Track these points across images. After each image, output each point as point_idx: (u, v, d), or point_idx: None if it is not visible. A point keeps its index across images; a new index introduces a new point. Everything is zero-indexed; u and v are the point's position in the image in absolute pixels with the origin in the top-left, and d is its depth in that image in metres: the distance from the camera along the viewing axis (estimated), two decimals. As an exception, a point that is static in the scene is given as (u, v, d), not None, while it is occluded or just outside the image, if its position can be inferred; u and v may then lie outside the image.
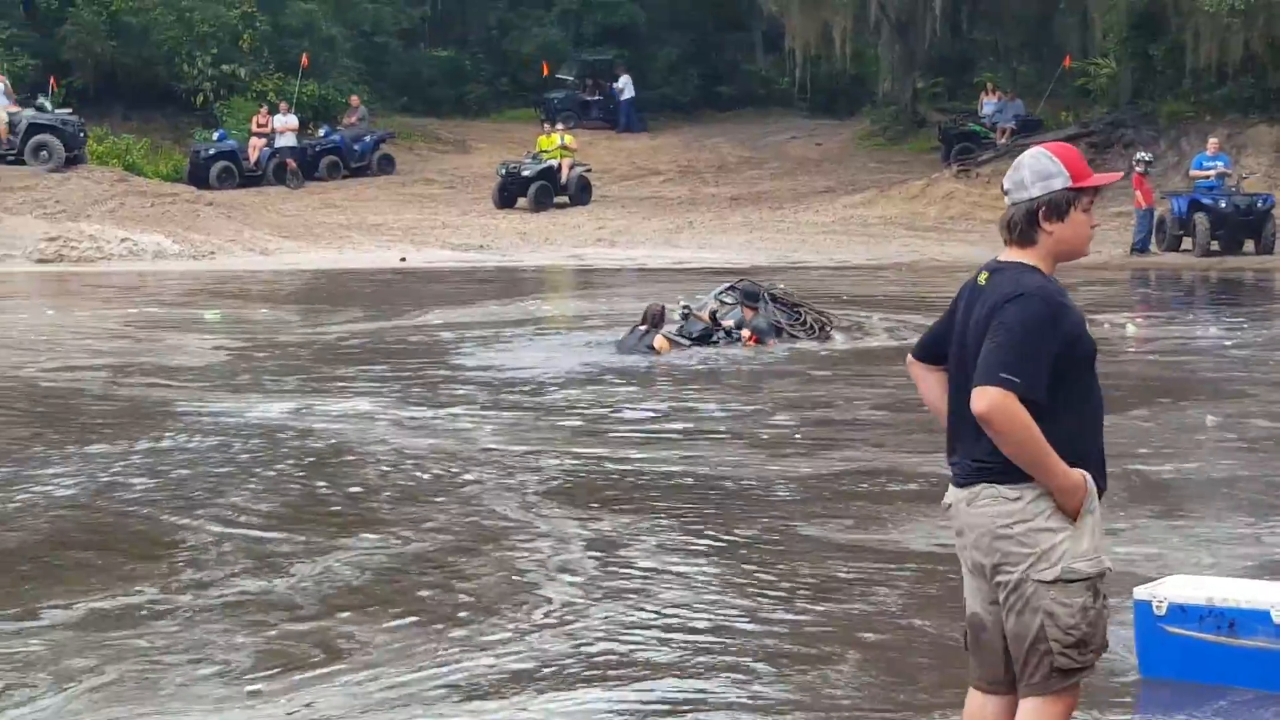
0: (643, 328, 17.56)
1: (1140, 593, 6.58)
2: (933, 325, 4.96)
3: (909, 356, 4.99)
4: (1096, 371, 4.71)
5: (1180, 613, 6.43)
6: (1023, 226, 4.70)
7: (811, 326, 18.34)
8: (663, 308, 17.89)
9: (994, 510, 4.61)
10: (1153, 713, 6.30)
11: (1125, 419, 12.77)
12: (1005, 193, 4.75)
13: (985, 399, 4.48)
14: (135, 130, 40.67)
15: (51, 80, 37.70)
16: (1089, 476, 4.61)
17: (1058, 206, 4.69)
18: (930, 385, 4.91)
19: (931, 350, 4.90)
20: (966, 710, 4.86)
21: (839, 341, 18.09)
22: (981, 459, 4.63)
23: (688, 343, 17.51)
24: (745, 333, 17.81)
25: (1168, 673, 6.45)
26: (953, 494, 4.75)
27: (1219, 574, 7.69)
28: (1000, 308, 4.55)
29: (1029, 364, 4.49)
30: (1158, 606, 6.46)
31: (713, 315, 18.02)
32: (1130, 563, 8.24)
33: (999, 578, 4.62)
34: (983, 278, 4.71)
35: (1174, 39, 36.74)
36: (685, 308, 18.04)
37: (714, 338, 17.70)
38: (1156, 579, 7.71)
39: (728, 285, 19.02)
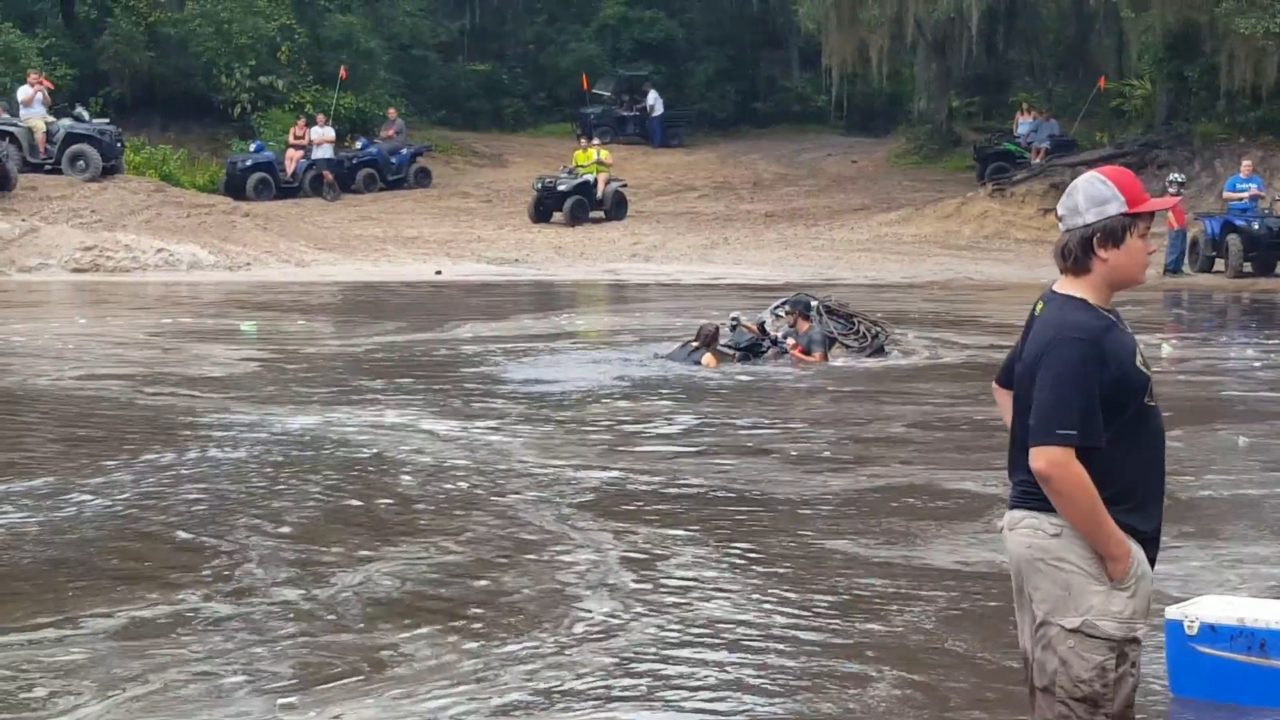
0: (694, 344, 17.67)
1: (1172, 612, 6.62)
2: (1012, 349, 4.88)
3: (994, 381, 4.93)
4: (1151, 401, 4.64)
5: (1211, 632, 6.46)
6: (1077, 254, 4.56)
7: (864, 335, 18.37)
8: (716, 328, 17.99)
9: (1029, 541, 4.55)
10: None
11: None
12: (1059, 219, 4.63)
13: (1044, 458, 4.40)
14: (172, 141, 40.93)
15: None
16: (1137, 547, 4.54)
17: (1113, 233, 4.55)
18: (1007, 409, 4.79)
19: (1006, 375, 4.81)
20: None
21: (891, 355, 18.13)
22: (1026, 484, 4.56)
23: (735, 353, 17.65)
24: (790, 342, 17.88)
25: (1198, 692, 6.48)
26: (1006, 516, 4.70)
27: (1247, 595, 7.72)
28: (1046, 351, 4.46)
29: (1081, 413, 4.39)
30: (1189, 626, 6.50)
31: (760, 326, 18.13)
32: (1159, 582, 8.27)
33: (1034, 607, 4.57)
34: (1039, 306, 4.64)
35: (1209, 61, 36.71)
36: (734, 318, 18.20)
37: (762, 347, 17.80)
38: (1185, 599, 7.77)
39: (782, 300, 19.07)
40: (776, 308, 18.76)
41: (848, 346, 18.11)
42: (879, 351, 18.19)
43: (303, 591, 8.16)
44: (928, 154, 44.89)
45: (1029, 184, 37.69)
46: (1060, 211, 4.63)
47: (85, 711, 6.39)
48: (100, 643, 7.28)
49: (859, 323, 18.65)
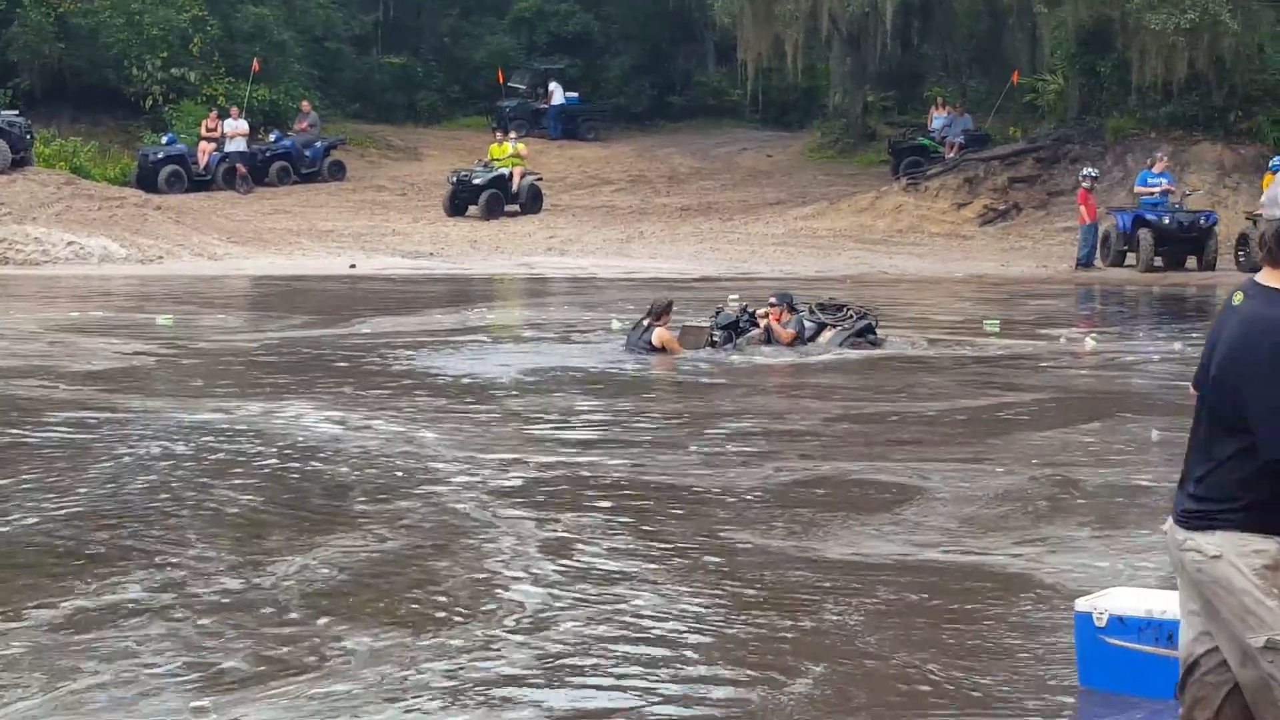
0: (645, 322, 17.80)
1: (1081, 604, 6.65)
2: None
3: (1191, 385, 4.82)
4: None
5: (1120, 624, 6.50)
6: (1271, 245, 4.48)
7: (851, 316, 18.68)
8: (669, 301, 18.22)
9: (1197, 565, 4.49)
10: (1094, 722, 6.38)
11: (1073, 432, 12.92)
12: (1262, 209, 4.56)
13: None
14: (83, 133, 40.42)
15: None
16: None
17: None
18: None
19: (1204, 375, 4.69)
20: None
21: (887, 343, 18.54)
22: (1194, 499, 4.51)
23: (715, 333, 18.02)
24: (762, 311, 18.26)
25: (1107, 684, 6.51)
26: (1169, 526, 4.62)
27: (1157, 587, 7.79)
28: (1273, 346, 4.36)
29: None
30: (1098, 618, 6.53)
31: (744, 308, 18.42)
32: (1057, 573, 8.38)
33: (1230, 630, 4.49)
34: (1237, 298, 4.54)
35: (1121, 56, 37.05)
36: (719, 307, 18.67)
37: (740, 324, 18.14)
38: (1077, 589, 7.84)
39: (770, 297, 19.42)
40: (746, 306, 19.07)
41: (841, 327, 18.40)
42: (869, 330, 18.49)
43: (242, 581, 8.12)
44: (843, 148, 45.05)
45: (943, 178, 37.90)
46: (1264, 200, 4.58)
47: (27, 705, 6.29)
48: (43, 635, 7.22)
49: (848, 309, 19.01)
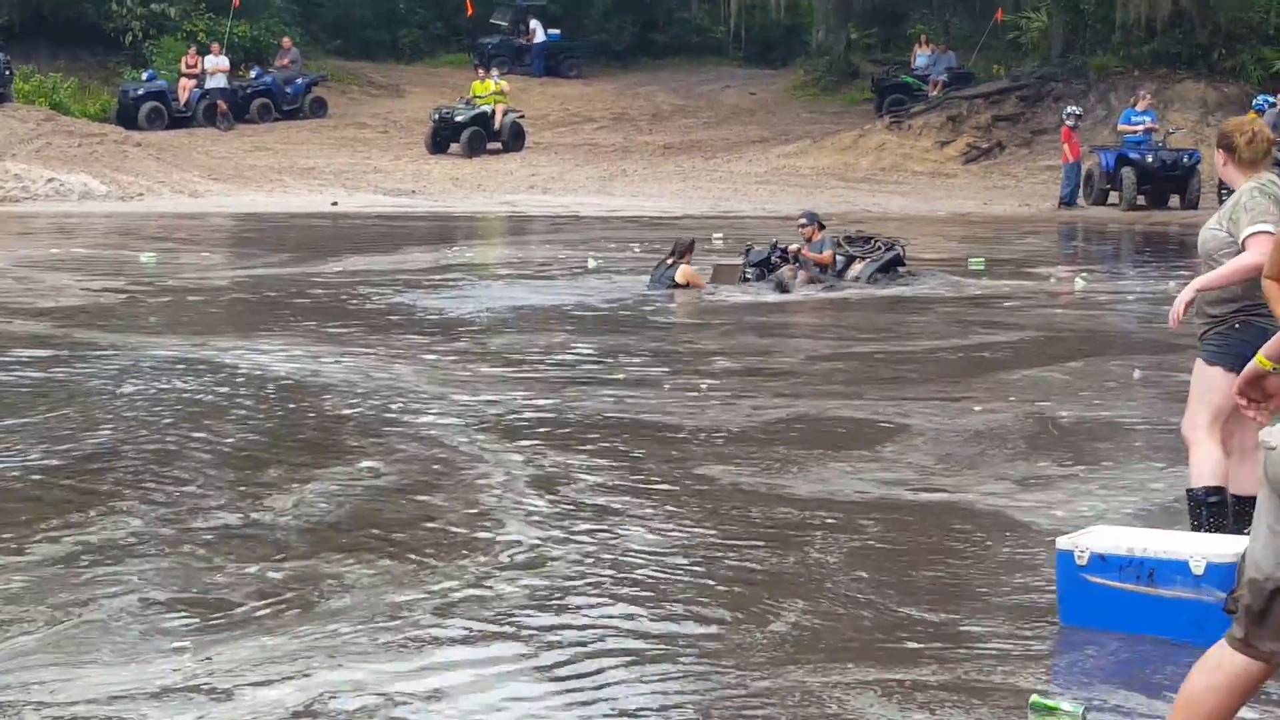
0: (669, 260, 18.01)
1: (1062, 542, 6.67)
2: None
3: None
4: None
5: (1101, 562, 6.52)
6: None
7: (879, 247, 19.03)
8: (692, 240, 18.53)
9: None
10: (1072, 660, 6.40)
11: (1057, 370, 12.95)
12: None
13: None
14: (62, 69, 40.17)
15: None
16: None
17: None
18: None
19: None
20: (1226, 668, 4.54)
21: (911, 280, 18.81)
22: None
23: (747, 271, 18.40)
24: (794, 246, 18.56)
25: (1088, 621, 6.54)
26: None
27: (1136, 524, 7.82)
28: None
29: None
30: (1079, 556, 6.55)
31: (774, 244, 18.81)
32: (1035, 510, 8.42)
33: None
34: None
35: (1105, -7, 36.98)
36: (748, 244, 19.20)
37: (772, 260, 18.46)
38: (1054, 527, 7.88)
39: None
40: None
41: (871, 258, 18.74)
42: (899, 261, 18.87)
43: (240, 515, 8.16)
44: (826, 86, 44.92)
45: (926, 116, 37.85)
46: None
47: (26, 640, 6.29)
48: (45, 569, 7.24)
49: (876, 241, 19.41)
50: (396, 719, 5.56)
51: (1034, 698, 5.68)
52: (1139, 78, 35.40)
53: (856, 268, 18.62)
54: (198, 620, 6.59)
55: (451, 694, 5.79)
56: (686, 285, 17.86)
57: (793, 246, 18.61)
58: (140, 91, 38.77)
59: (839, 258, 18.61)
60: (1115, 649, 6.34)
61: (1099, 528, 7.11)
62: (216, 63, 39.84)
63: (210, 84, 39.66)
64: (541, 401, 11.42)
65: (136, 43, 41.93)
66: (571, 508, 8.48)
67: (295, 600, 6.86)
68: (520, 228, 27.76)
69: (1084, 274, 20.15)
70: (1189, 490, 7.44)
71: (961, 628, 6.62)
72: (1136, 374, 12.77)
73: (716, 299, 17.55)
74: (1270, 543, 4.35)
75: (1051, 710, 5.59)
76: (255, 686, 5.81)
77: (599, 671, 6.03)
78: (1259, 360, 4.57)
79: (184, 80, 39.52)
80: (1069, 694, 5.83)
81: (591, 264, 20.01)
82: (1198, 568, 6.37)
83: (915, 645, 6.36)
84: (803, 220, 18.87)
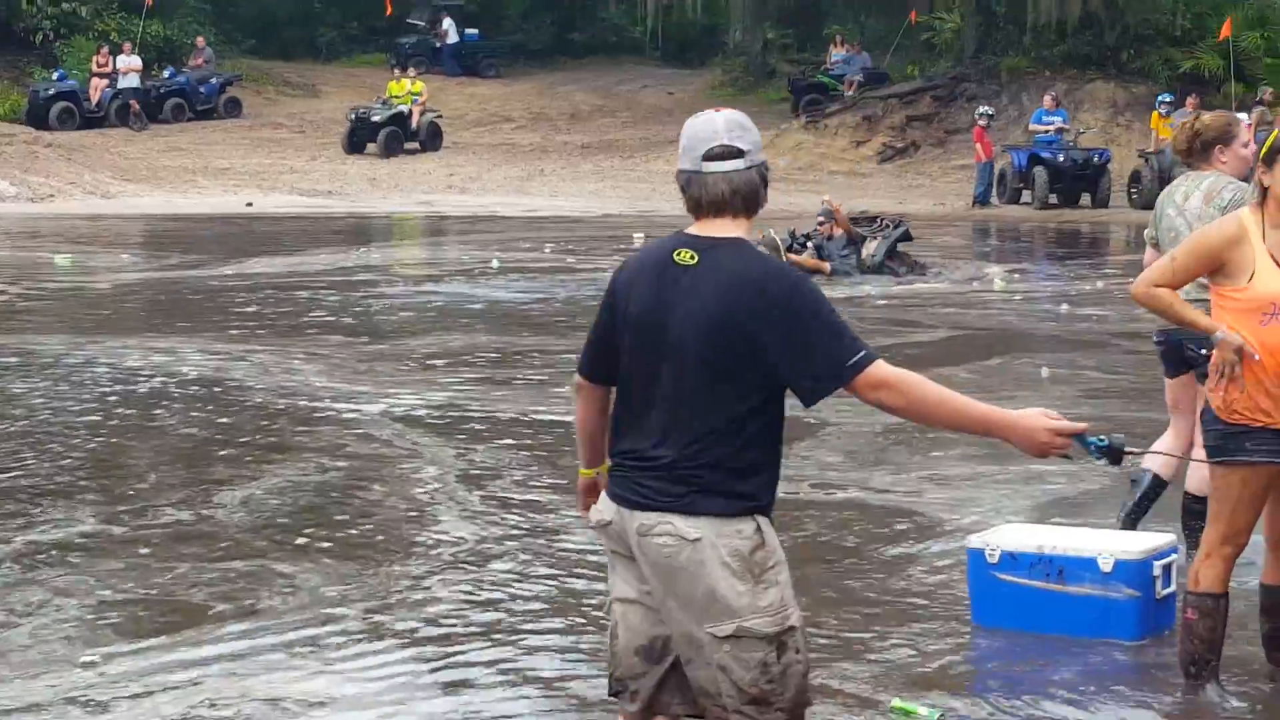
0: None
1: (974, 541, 6.75)
2: None
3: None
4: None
5: (1012, 560, 6.60)
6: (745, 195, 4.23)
7: (887, 226, 20.00)
8: None
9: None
10: (985, 658, 6.47)
11: (966, 369, 13.07)
12: None
13: None
14: (-28, 69, 39.74)
15: None
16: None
17: None
18: None
19: None
20: None
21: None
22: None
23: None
24: (820, 219, 19.60)
25: (1000, 620, 6.61)
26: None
27: (1016, 518, 7.94)
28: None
29: None
30: (990, 555, 6.63)
31: (791, 233, 19.52)
32: (960, 509, 8.50)
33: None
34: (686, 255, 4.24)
35: (1017, -5, 37.31)
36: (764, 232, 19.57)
37: (793, 248, 19.09)
38: (961, 522, 7.98)
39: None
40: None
41: (882, 236, 19.63)
42: (906, 238, 19.80)
43: (184, 514, 8.18)
44: (743, 86, 45.00)
45: (842, 116, 38.05)
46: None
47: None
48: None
49: (881, 220, 20.47)
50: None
51: (894, 701, 5.75)
52: (1050, 78, 35.73)
53: (871, 246, 19.47)
54: (111, 631, 6.58)
55: (342, 703, 5.79)
56: None
57: (822, 226, 19.53)
58: (51, 91, 38.32)
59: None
60: (1025, 647, 6.41)
61: (1008, 526, 7.21)
62: (129, 62, 39.46)
63: (123, 84, 39.27)
64: (464, 400, 11.44)
65: (47, 42, 41.44)
66: (498, 505, 8.54)
67: (227, 604, 6.88)
68: (437, 228, 27.69)
69: (1003, 273, 20.32)
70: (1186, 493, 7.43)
71: (874, 629, 6.67)
72: (1045, 372, 12.89)
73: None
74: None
75: (909, 714, 5.66)
76: (135, 698, 5.79)
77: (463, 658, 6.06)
78: (581, 471, 4.44)
79: (96, 80, 39.12)
80: (968, 697, 5.91)
81: (496, 265, 20.05)
82: (1106, 565, 6.46)
83: (828, 646, 6.39)
84: (820, 220, 19.72)
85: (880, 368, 4.07)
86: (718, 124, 4.17)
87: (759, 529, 4.11)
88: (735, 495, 4.08)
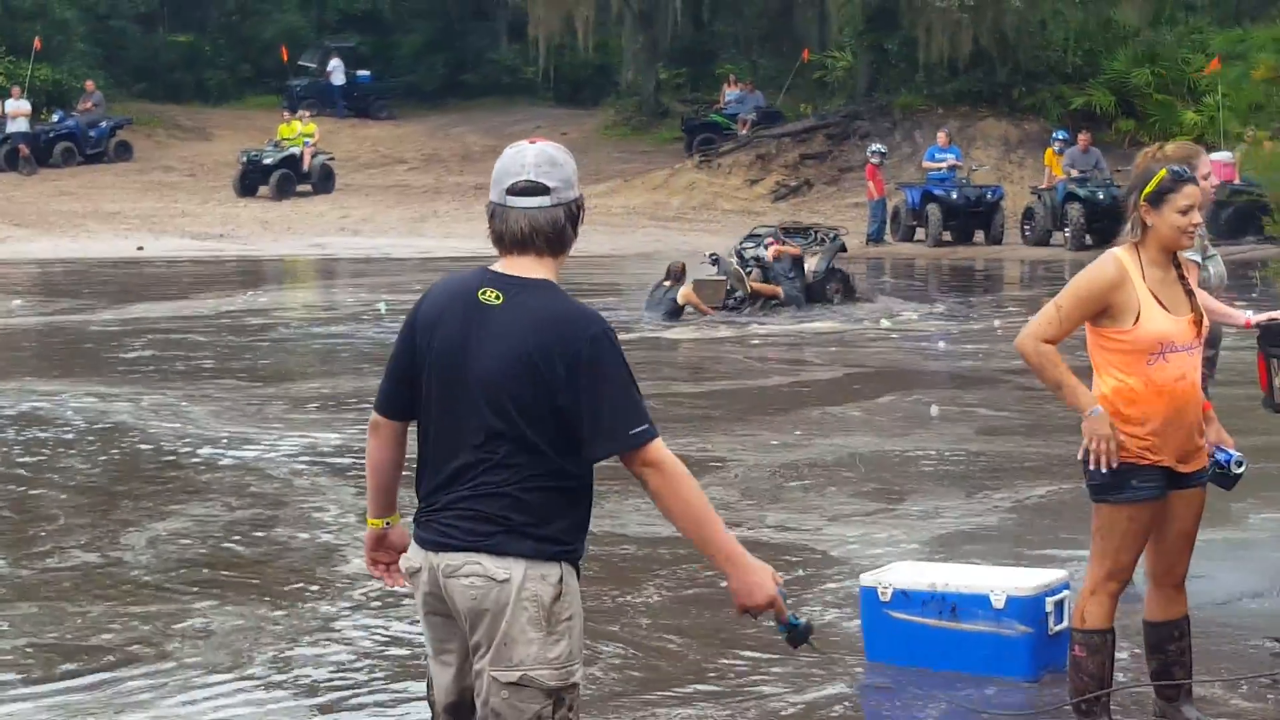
0: (666, 284, 18.23)
1: (866, 579, 6.73)
2: None
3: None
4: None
5: (904, 598, 6.59)
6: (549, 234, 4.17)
7: (822, 239, 20.35)
8: (683, 265, 19.18)
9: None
10: (877, 696, 6.45)
11: (858, 406, 13.10)
12: None
13: None
14: None
15: None
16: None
17: None
18: None
19: None
20: None
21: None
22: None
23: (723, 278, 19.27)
24: (769, 242, 19.72)
25: (892, 657, 6.60)
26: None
27: (936, 559, 7.93)
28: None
29: None
30: (883, 592, 6.61)
31: (739, 253, 19.68)
32: (833, 544, 8.55)
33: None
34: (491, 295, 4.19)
35: (908, 33, 37.64)
36: (712, 255, 19.90)
37: (749, 269, 19.31)
38: (852, 559, 7.98)
39: (746, 235, 21.02)
40: (742, 243, 20.41)
41: (821, 252, 19.97)
42: (841, 250, 20.21)
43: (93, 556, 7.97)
44: (636, 125, 45.15)
45: (735, 155, 38.20)
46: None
47: None
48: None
49: (814, 231, 20.77)
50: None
51: None
52: (942, 116, 36.06)
53: (812, 262, 19.67)
54: (14, 674, 6.47)
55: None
56: (683, 308, 18.41)
57: (772, 248, 19.55)
58: (-63, 137, 37.86)
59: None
60: (918, 684, 6.39)
61: (901, 563, 7.19)
62: (17, 106, 39.00)
63: (11, 128, 38.82)
64: (357, 442, 11.35)
65: (-67, 87, 40.96)
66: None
67: (138, 645, 6.81)
68: (329, 270, 27.53)
69: (892, 311, 20.42)
70: None
71: (755, 670, 6.63)
72: (934, 410, 12.91)
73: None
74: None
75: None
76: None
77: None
78: (369, 522, 4.34)
79: (-17, 124, 38.66)
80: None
81: (383, 309, 19.85)
82: (998, 602, 6.46)
83: (718, 684, 6.36)
84: (770, 241, 19.91)
85: (659, 447, 3.96)
86: (527, 157, 4.10)
87: (562, 578, 3.99)
88: (544, 539, 3.98)
